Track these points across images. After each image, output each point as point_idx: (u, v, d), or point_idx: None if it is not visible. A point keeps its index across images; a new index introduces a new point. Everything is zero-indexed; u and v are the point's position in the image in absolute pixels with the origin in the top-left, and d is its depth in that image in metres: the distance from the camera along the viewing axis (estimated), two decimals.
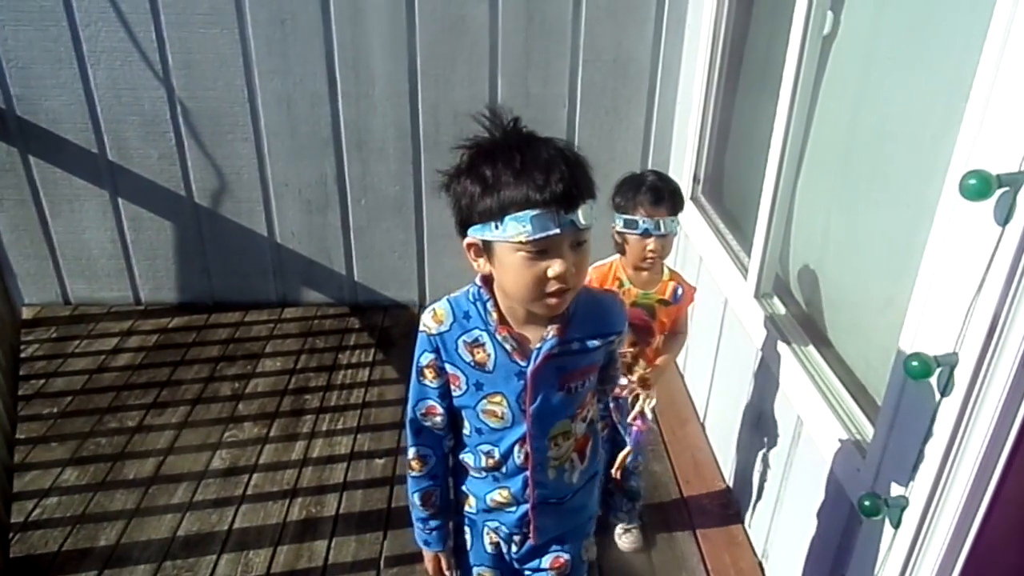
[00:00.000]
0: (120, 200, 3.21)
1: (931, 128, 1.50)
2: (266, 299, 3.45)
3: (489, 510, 1.38)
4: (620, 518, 2.23)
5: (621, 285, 1.93)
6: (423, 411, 1.32)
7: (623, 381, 1.96)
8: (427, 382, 1.29)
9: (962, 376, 1.20)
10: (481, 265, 1.18)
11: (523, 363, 1.21)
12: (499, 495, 1.35)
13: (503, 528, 1.41)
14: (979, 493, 1.23)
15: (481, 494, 1.38)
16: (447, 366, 1.26)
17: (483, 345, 1.22)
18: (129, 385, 2.87)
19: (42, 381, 2.88)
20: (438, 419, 1.31)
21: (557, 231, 1.06)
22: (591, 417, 1.37)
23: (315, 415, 2.75)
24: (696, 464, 2.56)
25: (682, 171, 3.00)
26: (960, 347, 1.20)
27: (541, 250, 1.08)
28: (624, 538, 2.22)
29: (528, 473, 1.30)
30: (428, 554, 1.47)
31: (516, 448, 1.28)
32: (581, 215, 1.08)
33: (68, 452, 2.52)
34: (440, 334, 1.24)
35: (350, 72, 3.01)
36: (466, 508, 1.42)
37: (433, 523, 1.42)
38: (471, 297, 1.23)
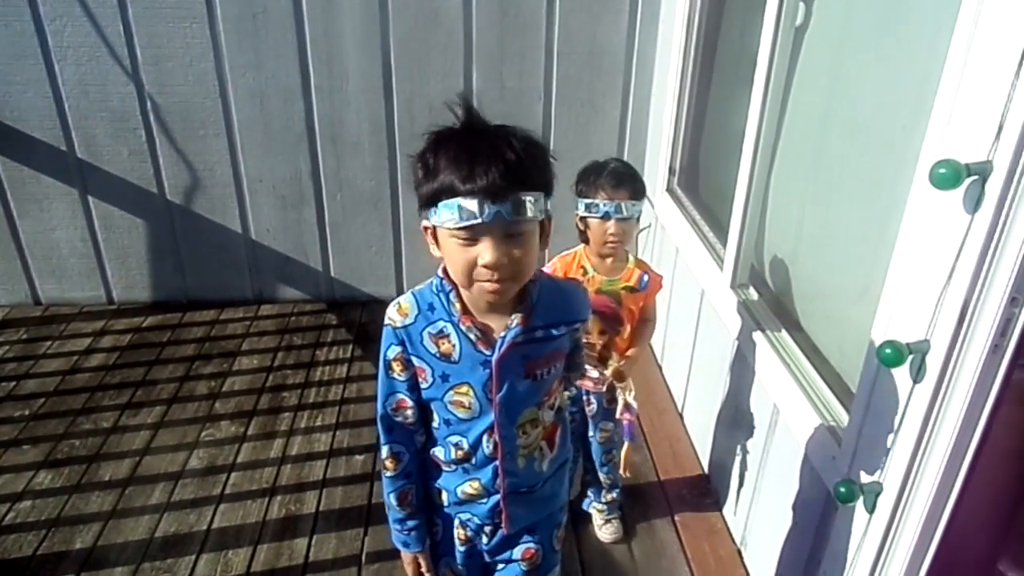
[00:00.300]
0: (90, 198, 3.16)
1: (902, 118, 1.52)
2: (242, 296, 3.41)
3: (460, 503, 1.39)
4: (599, 509, 2.24)
5: (585, 273, 1.94)
6: (393, 406, 1.32)
7: (594, 374, 1.97)
8: (395, 375, 1.29)
9: (934, 363, 1.22)
10: (434, 250, 1.21)
11: (488, 352, 1.22)
12: (470, 487, 1.36)
13: (475, 520, 1.41)
14: (951, 477, 1.25)
15: (452, 487, 1.38)
16: (413, 359, 1.26)
17: (448, 336, 1.23)
18: (103, 386, 2.83)
19: (13, 383, 2.83)
20: (409, 413, 1.32)
21: (479, 220, 1.08)
22: (558, 404, 1.39)
23: (293, 412, 2.73)
24: (675, 453, 2.59)
25: (658, 163, 3.02)
26: (931, 334, 1.22)
27: (471, 238, 1.11)
28: (604, 529, 2.24)
29: (498, 463, 1.31)
30: (407, 556, 1.46)
31: (485, 438, 1.29)
32: (512, 206, 1.08)
33: (41, 455, 2.48)
34: (405, 327, 1.25)
35: (323, 66, 2.99)
36: (436, 501, 1.42)
37: (411, 523, 1.41)
38: (434, 289, 1.25)
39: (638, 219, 1.90)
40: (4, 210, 3.13)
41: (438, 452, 1.36)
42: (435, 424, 1.34)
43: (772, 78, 2.00)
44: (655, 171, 3.05)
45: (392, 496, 1.39)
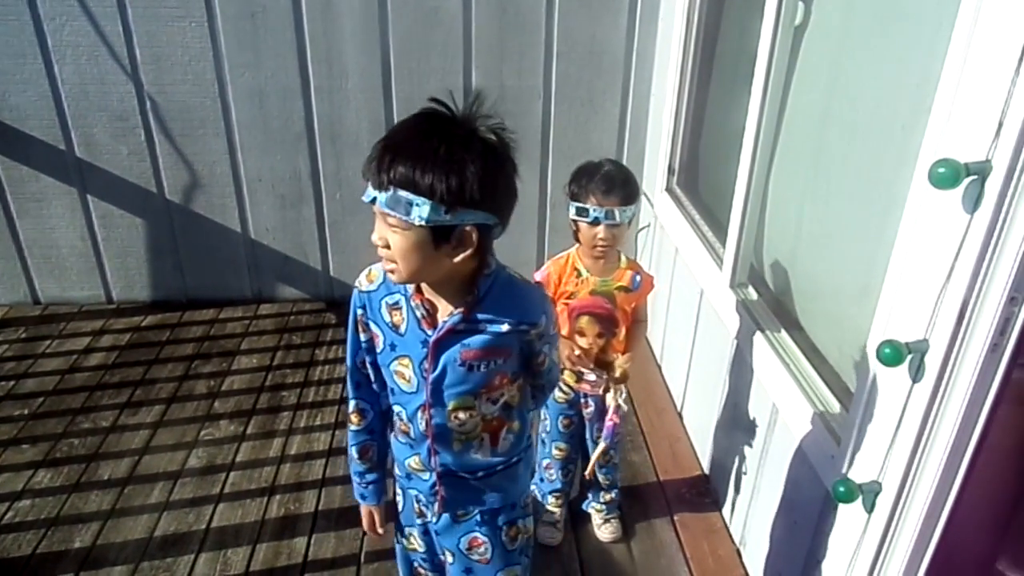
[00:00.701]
0: (89, 197, 3.16)
1: (901, 117, 1.52)
2: (241, 296, 3.41)
3: (408, 475, 1.47)
4: (598, 508, 2.24)
5: (579, 275, 1.94)
6: (360, 360, 1.40)
7: (592, 377, 1.97)
8: (359, 334, 1.38)
9: (932, 362, 1.22)
10: None
11: (429, 332, 1.28)
12: (414, 460, 1.43)
13: (421, 496, 1.47)
14: (950, 477, 1.25)
15: (401, 459, 1.46)
16: (370, 323, 1.34)
17: (400, 309, 1.31)
18: (102, 385, 2.83)
19: (12, 383, 2.83)
20: (369, 371, 1.40)
21: (364, 199, 1.17)
22: (508, 402, 1.39)
23: (292, 412, 2.73)
24: (674, 453, 2.59)
25: (657, 162, 3.02)
26: (930, 333, 1.22)
27: (376, 216, 1.19)
28: (603, 528, 2.24)
29: (429, 441, 1.37)
30: (363, 508, 1.56)
31: (419, 414, 1.35)
32: (386, 200, 1.13)
33: (40, 454, 2.48)
34: (368, 292, 1.33)
35: (323, 65, 2.99)
36: (396, 472, 1.52)
37: (369, 476, 1.50)
38: None
39: (630, 222, 1.89)
40: (3, 209, 3.13)
41: (393, 424, 1.45)
42: (386, 391, 1.41)
43: (771, 77, 2.00)
44: (654, 170, 3.05)
45: (354, 449, 1.48)
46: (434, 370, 1.29)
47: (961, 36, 1.14)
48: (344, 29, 2.93)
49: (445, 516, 1.47)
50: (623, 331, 1.97)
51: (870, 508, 1.41)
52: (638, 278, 1.96)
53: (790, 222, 2.07)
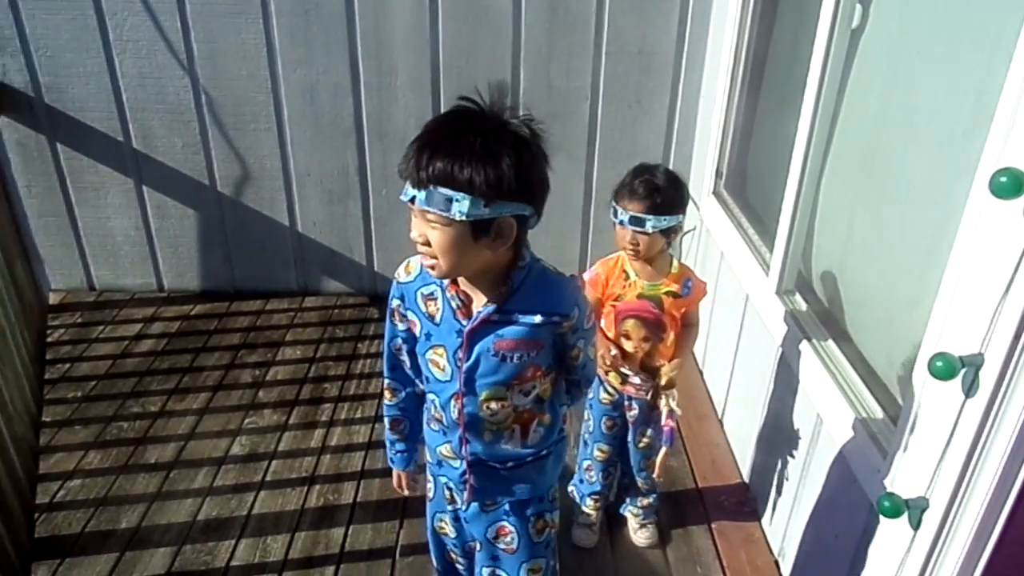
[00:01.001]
0: (144, 188, 3.25)
1: (960, 124, 1.47)
2: (287, 288, 3.47)
3: (439, 463, 1.51)
4: (635, 513, 2.23)
5: (627, 277, 1.92)
6: (396, 347, 1.47)
7: (637, 380, 1.96)
8: (395, 323, 1.44)
9: (987, 377, 1.18)
10: None
11: (464, 322, 1.31)
12: (445, 448, 1.47)
13: (451, 483, 1.50)
14: (1002, 496, 1.21)
15: (433, 446, 1.50)
16: (408, 313, 1.39)
17: (436, 299, 1.34)
18: (152, 371, 2.91)
19: (67, 365, 2.92)
20: (404, 358, 1.46)
21: (402, 198, 1.20)
22: (540, 395, 1.40)
23: (334, 404, 2.77)
24: (713, 460, 2.55)
25: (704, 165, 2.98)
26: (986, 348, 1.18)
27: (414, 212, 1.21)
28: (639, 533, 2.22)
29: (460, 430, 1.40)
30: (394, 471, 1.65)
31: (452, 403, 1.38)
32: (425, 197, 1.16)
33: (92, 435, 2.56)
34: (405, 283, 1.38)
35: (373, 62, 3.02)
36: (428, 459, 1.55)
37: (399, 446, 1.60)
38: None
39: (665, 232, 1.84)
40: (64, 197, 3.24)
41: (425, 412, 1.51)
42: (423, 379, 1.46)
43: (825, 80, 1.96)
44: (702, 173, 3.02)
45: (387, 420, 1.57)
46: (468, 359, 1.32)
47: None
48: (395, 27, 2.96)
49: (474, 505, 1.50)
50: (671, 336, 1.94)
51: (916, 525, 1.37)
52: (689, 283, 1.93)
53: (841, 229, 2.03)
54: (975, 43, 1.46)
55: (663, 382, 1.91)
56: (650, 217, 1.80)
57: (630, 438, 2.10)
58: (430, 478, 1.60)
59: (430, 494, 1.62)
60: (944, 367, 1.20)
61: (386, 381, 1.54)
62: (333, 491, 2.37)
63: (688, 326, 1.99)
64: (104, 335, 3.13)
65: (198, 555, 2.12)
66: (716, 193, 2.91)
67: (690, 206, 3.05)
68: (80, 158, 3.17)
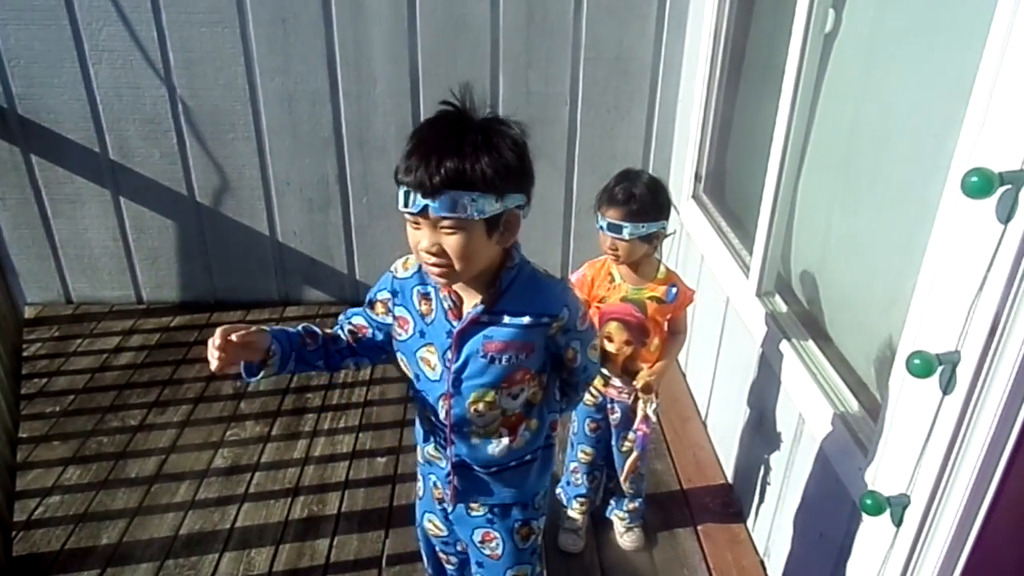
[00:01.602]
0: (122, 199, 3.22)
1: (933, 126, 1.50)
2: (268, 298, 3.45)
3: (427, 462, 1.51)
4: (621, 517, 2.23)
5: (612, 280, 1.93)
6: (359, 325, 1.46)
7: (618, 383, 1.97)
8: (374, 313, 1.43)
9: (964, 374, 1.20)
10: None
11: (454, 323, 1.31)
12: (431, 448, 1.47)
13: (438, 482, 1.51)
14: (981, 491, 1.23)
15: (421, 445, 1.51)
16: (399, 309, 1.38)
17: (430, 299, 1.34)
18: (131, 384, 2.88)
19: (44, 380, 2.88)
20: (365, 333, 1.45)
21: (407, 210, 1.17)
22: (529, 399, 1.40)
23: (317, 414, 2.75)
24: (698, 462, 2.56)
25: (683, 169, 3.00)
26: (962, 345, 1.20)
27: (415, 222, 1.20)
28: (626, 537, 2.22)
29: (447, 431, 1.40)
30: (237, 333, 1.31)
31: (440, 403, 1.37)
32: (441, 203, 1.14)
33: (70, 451, 2.52)
34: (403, 279, 1.37)
35: (351, 71, 3.01)
36: (417, 457, 1.56)
37: (282, 340, 1.37)
38: None
39: (646, 238, 1.85)
40: (39, 210, 3.20)
41: (416, 409, 1.48)
42: (411, 378, 1.43)
43: (800, 85, 1.98)
44: (681, 177, 3.04)
45: (304, 328, 1.44)
46: (456, 360, 1.32)
47: (996, 43, 1.13)
48: (373, 35, 2.95)
49: (460, 506, 1.50)
50: (655, 342, 1.95)
51: (898, 522, 1.38)
52: (674, 290, 1.94)
53: (818, 231, 2.05)
54: (946, 46, 1.49)
55: (639, 385, 1.91)
56: (627, 224, 1.81)
57: (613, 441, 2.11)
58: (420, 477, 1.59)
59: (420, 493, 1.62)
60: (921, 365, 1.22)
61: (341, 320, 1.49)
62: (317, 502, 2.35)
63: (674, 333, 2.00)
64: (82, 348, 3.09)
65: (181, 570, 2.10)
66: (695, 197, 2.94)
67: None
68: (55, 169, 3.13)
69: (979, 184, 1.07)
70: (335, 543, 2.20)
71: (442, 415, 1.38)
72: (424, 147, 1.16)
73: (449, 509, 1.53)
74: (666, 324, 1.96)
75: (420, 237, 1.20)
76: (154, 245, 3.32)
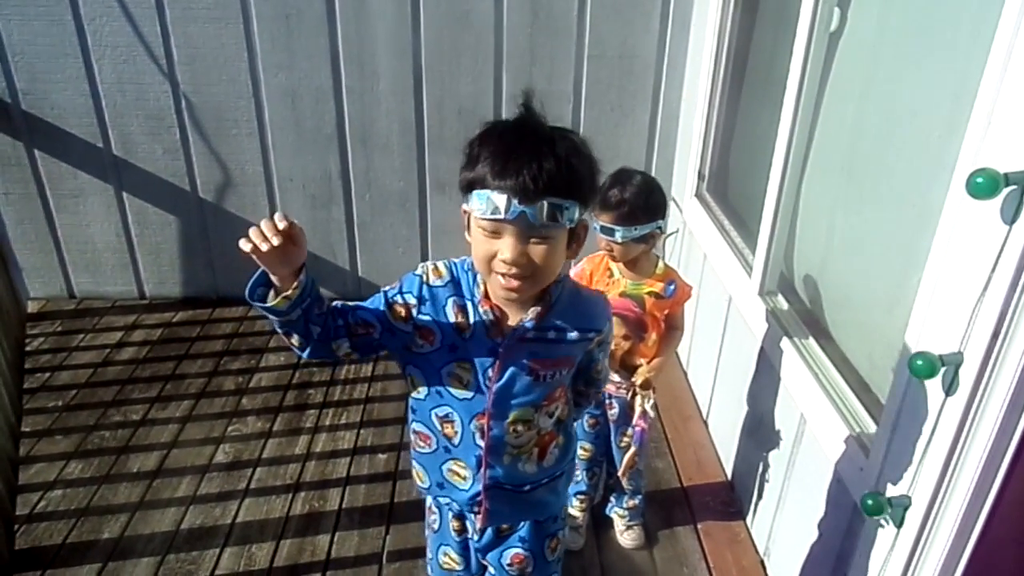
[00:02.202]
0: (125, 194, 3.22)
1: (938, 126, 1.49)
2: None
3: (441, 484, 1.39)
4: (621, 514, 2.23)
5: (611, 275, 1.94)
6: (357, 320, 1.25)
7: (616, 378, 1.97)
8: (392, 316, 1.25)
9: (967, 375, 1.20)
10: (466, 233, 1.22)
11: (498, 339, 1.24)
12: (456, 465, 1.36)
13: (454, 505, 1.42)
14: (983, 493, 1.22)
15: (435, 466, 1.38)
16: (423, 318, 1.25)
17: (467, 312, 1.25)
18: (133, 379, 2.88)
19: (47, 374, 2.89)
20: (371, 333, 1.25)
21: (501, 216, 1.10)
22: (560, 416, 1.37)
23: (318, 410, 2.76)
24: (699, 461, 2.56)
25: (687, 168, 3.00)
26: (965, 346, 1.20)
27: (495, 231, 1.13)
28: (626, 535, 2.22)
29: (482, 453, 1.31)
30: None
31: (474, 423, 1.29)
32: (539, 212, 1.09)
33: (73, 445, 2.52)
34: (436, 287, 1.26)
35: (355, 67, 3.01)
36: (417, 482, 1.44)
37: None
38: (465, 267, 1.28)
39: (640, 239, 1.85)
40: (43, 204, 3.20)
41: (420, 428, 1.36)
42: (420, 395, 1.32)
43: (805, 84, 1.98)
44: (684, 176, 3.03)
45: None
46: (499, 379, 1.26)
47: (1002, 43, 1.12)
48: (376, 32, 2.95)
49: (488, 532, 1.43)
50: (653, 337, 1.95)
51: (899, 523, 1.38)
52: (672, 286, 1.94)
53: (821, 231, 2.05)
54: (951, 46, 1.49)
55: (638, 381, 1.91)
56: (619, 228, 1.82)
57: (612, 437, 2.11)
58: (433, 508, 1.49)
59: (434, 526, 1.50)
60: (924, 366, 1.22)
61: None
62: (318, 498, 2.35)
63: (672, 329, 2.00)
64: (85, 343, 3.10)
65: (182, 564, 2.10)
66: (698, 195, 2.93)
67: (673, 208, 3.08)
68: (59, 164, 3.13)
69: (984, 185, 1.07)
70: (336, 539, 2.20)
71: (477, 436, 1.30)
72: (517, 151, 1.10)
73: (474, 538, 1.45)
74: (663, 320, 1.97)
75: (501, 247, 1.13)
76: (157, 240, 3.32)
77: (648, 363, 1.95)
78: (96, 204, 3.22)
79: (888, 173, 1.72)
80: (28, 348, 3.04)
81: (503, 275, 1.15)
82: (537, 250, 1.13)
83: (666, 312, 1.96)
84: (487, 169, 1.11)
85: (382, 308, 1.27)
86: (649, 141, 3.22)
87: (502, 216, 1.10)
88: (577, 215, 1.15)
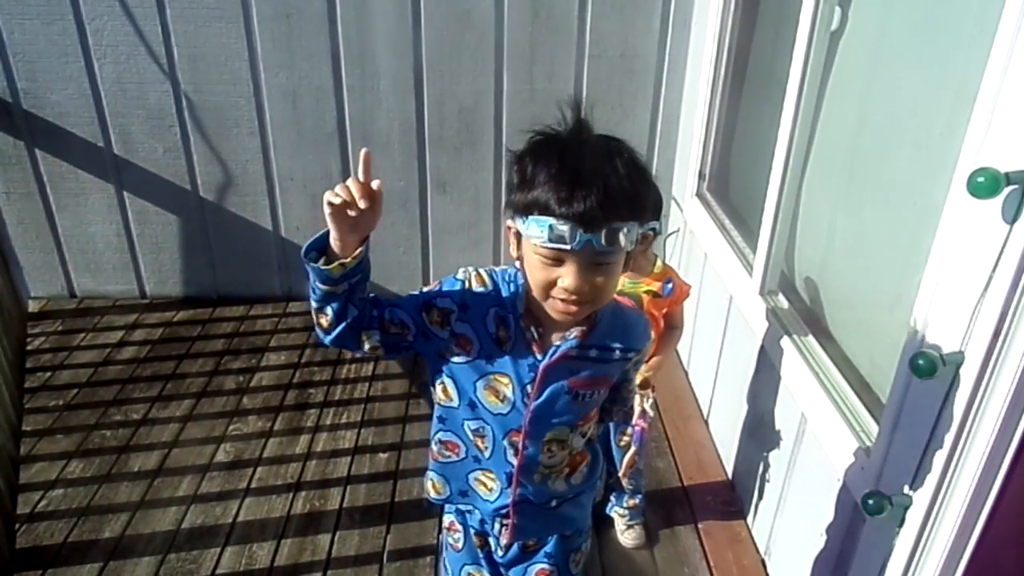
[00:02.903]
0: (126, 194, 3.22)
1: (939, 125, 1.49)
2: (271, 293, 3.45)
3: (464, 492, 1.35)
4: (621, 514, 2.23)
5: None
6: (394, 318, 1.18)
7: None
8: (428, 319, 1.19)
9: (968, 375, 1.20)
10: (513, 250, 1.18)
11: (539, 356, 1.20)
12: (484, 476, 1.32)
13: (476, 514, 1.39)
14: (984, 492, 1.22)
15: (460, 474, 1.34)
16: (461, 326, 1.19)
17: (508, 326, 1.20)
18: (134, 378, 2.88)
19: (48, 374, 2.89)
20: (406, 336, 1.18)
21: (567, 247, 1.05)
22: (590, 436, 1.35)
23: (319, 409, 2.76)
24: (699, 460, 2.56)
25: (687, 167, 3.00)
26: (966, 346, 1.20)
27: (556, 258, 1.08)
28: (626, 534, 2.22)
29: (514, 470, 1.28)
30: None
31: (508, 439, 1.25)
32: (605, 236, 1.04)
33: (74, 444, 2.52)
34: (476, 294, 1.20)
35: (355, 66, 3.01)
36: (432, 494, 1.40)
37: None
38: (507, 278, 1.22)
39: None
40: (43, 204, 3.20)
41: (446, 437, 1.31)
42: (452, 403, 1.27)
43: (806, 83, 1.97)
44: (685, 175, 3.03)
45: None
46: (539, 397, 1.21)
47: (1004, 41, 1.12)
48: (377, 31, 2.95)
49: (514, 548, 1.41)
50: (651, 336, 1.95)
51: (900, 523, 1.38)
52: (670, 285, 1.94)
53: (822, 230, 2.05)
54: (953, 45, 1.48)
55: (638, 381, 1.91)
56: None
57: (612, 438, 2.11)
58: (456, 527, 1.44)
59: (457, 545, 1.45)
60: (925, 365, 1.22)
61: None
62: (319, 497, 2.35)
63: (671, 328, 2.00)
64: (85, 343, 3.10)
65: (183, 564, 2.10)
66: (699, 195, 2.93)
67: (674, 208, 3.07)
68: (60, 164, 3.13)
69: (985, 184, 1.06)
70: (336, 538, 2.20)
71: (510, 452, 1.26)
72: (574, 174, 1.05)
73: (500, 554, 1.42)
74: (662, 319, 1.97)
75: (563, 274, 1.08)
76: (157, 240, 3.32)
77: (647, 362, 1.94)
78: (97, 203, 3.22)
79: (889, 172, 1.72)
80: (29, 347, 3.04)
81: (563, 300, 1.10)
82: (599, 276, 1.09)
83: (665, 311, 1.96)
84: (551, 195, 1.04)
85: (419, 310, 1.19)
86: (650, 141, 3.22)
87: (567, 247, 1.04)
88: (636, 235, 1.09)
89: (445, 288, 1.21)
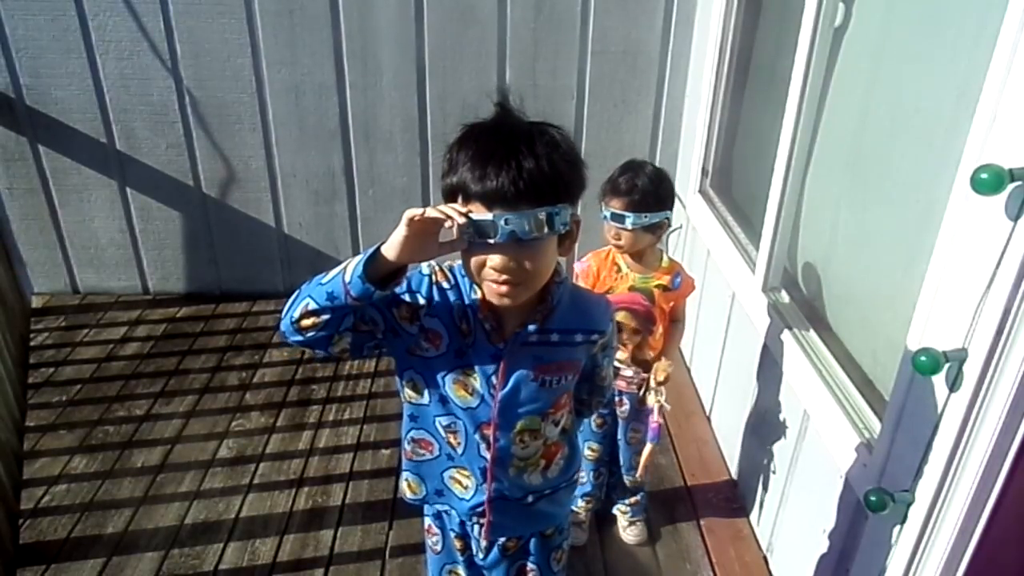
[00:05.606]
0: (128, 190, 3.22)
1: (942, 122, 1.48)
2: (273, 289, 3.45)
3: (440, 491, 1.35)
4: (624, 511, 2.23)
5: (619, 270, 1.94)
6: (363, 316, 1.16)
7: (628, 373, 1.97)
8: (398, 315, 1.19)
9: (971, 372, 1.19)
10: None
11: (500, 345, 1.20)
12: (459, 474, 1.32)
13: (454, 516, 1.38)
14: (986, 489, 1.22)
15: (435, 473, 1.34)
16: (431, 320, 1.19)
17: (468, 319, 1.20)
18: (137, 374, 2.89)
19: (51, 369, 2.90)
20: (375, 333, 1.19)
21: (492, 241, 1.05)
22: (564, 426, 1.34)
23: (322, 405, 2.76)
24: (702, 457, 2.56)
25: (690, 163, 2.99)
26: (969, 342, 1.20)
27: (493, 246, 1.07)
28: (629, 531, 2.23)
29: (487, 464, 1.27)
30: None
31: (479, 432, 1.25)
32: (526, 223, 1.04)
33: (77, 440, 2.53)
34: (444, 288, 1.21)
35: (358, 62, 3.01)
36: (408, 494, 1.39)
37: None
38: (462, 271, 1.21)
39: (649, 228, 1.86)
40: (47, 200, 3.20)
41: (419, 435, 1.31)
42: (423, 400, 1.26)
43: (809, 79, 1.97)
44: (687, 171, 3.03)
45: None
46: (504, 386, 1.21)
47: (1007, 39, 1.12)
48: (380, 26, 2.95)
49: (494, 552, 1.41)
50: (660, 329, 1.96)
51: (902, 519, 1.38)
52: (678, 279, 1.97)
53: (825, 227, 2.04)
54: (956, 41, 1.48)
55: (660, 378, 1.91)
56: (630, 214, 1.83)
57: (620, 435, 2.11)
58: (434, 530, 1.44)
59: (436, 547, 1.46)
60: (928, 362, 1.21)
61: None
62: (322, 493, 2.36)
63: (675, 322, 2.02)
64: (89, 338, 3.11)
65: (186, 559, 2.11)
66: (702, 191, 2.93)
67: (676, 204, 3.06)
68: (63, 160, 3.14)
69: (989, 181, 1.06)
70: (339, 534, 2.21)
71: (482, 447, 1.26)
72: (491, 154, 1.05)
73: (480, 556, 1.42)
74: (669, 312, 1.97)
75: (490, 255, 1.08)
76: (160, 236, 3.33)
77: (656, 357, 1.94)
78: (100, 199, 3.22)
79: (892, 169, 1.71)
80: (32, 343, 3.05)
81: (494, 282, 1.10)
82: (528, 256, 1.08)
83: (671, 304, 1.97)
84: (467, 175, 1.06)
85: (388, 306, 1.19)
86: (653, 137, 3.22)
87: (492, 240, 1.04)
88: (568, 217, 1.09)
89: (412, 282, 1.21)
